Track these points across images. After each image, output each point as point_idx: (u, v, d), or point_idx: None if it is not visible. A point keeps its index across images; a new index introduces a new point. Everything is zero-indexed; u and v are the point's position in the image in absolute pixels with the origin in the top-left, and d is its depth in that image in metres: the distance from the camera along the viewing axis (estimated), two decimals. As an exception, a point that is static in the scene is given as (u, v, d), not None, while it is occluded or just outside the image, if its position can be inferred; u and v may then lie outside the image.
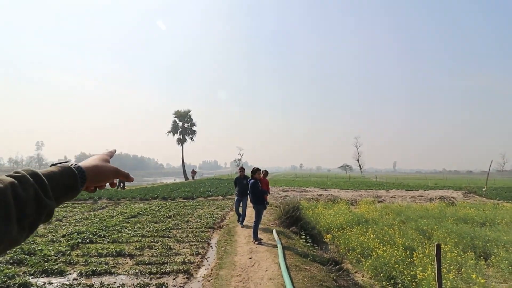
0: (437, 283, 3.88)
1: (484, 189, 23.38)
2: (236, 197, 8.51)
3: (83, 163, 0.67)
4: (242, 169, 8.50)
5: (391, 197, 18.86)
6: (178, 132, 45.68)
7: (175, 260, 5.51)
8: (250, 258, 5.68)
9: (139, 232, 7.57)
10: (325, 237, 8.40)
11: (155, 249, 6.22)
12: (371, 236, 7.79)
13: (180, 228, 8.26)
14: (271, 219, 9.60)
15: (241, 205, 8.45)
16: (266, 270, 5.01)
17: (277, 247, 6.06)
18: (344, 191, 23.57)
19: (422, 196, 19.67)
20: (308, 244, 7.12)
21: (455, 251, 6.55)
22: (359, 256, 6.77)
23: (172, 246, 6.43)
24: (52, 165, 0.65)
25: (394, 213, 11.71)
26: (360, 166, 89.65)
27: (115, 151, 0.86)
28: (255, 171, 7.12)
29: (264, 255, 5.83)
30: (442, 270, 4.22)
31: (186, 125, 45.92)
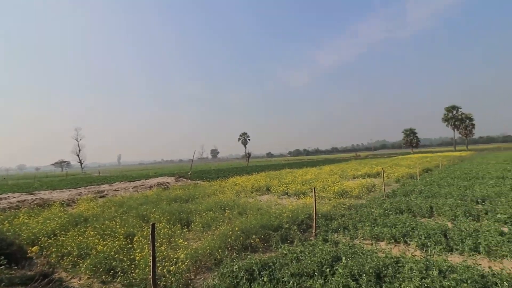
0: (151, 257, 4.38)
1: (189, 173, 29.67)
2: None
3: None
4: None
5: (115, 190, 18.78)
6: None
7: None
8: None
9: None
10: (29, 250, 6.71)
11: None
12: (91, 233, 7.29)
13: None
14: None
15: None
16: None
17: None
18: (58, 191, 20.19)
19: (144, 185, 21.40)
20: (1, 267, 5.35)
21: (167, 226, 7.75)
22: (76, 259, 6.09)
23: None
24: None
25: (117, 205, 11.75)
26: (80, 161, 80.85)
27: None
28: None
29: None
30: (156, 245, 4.81)
31: None
